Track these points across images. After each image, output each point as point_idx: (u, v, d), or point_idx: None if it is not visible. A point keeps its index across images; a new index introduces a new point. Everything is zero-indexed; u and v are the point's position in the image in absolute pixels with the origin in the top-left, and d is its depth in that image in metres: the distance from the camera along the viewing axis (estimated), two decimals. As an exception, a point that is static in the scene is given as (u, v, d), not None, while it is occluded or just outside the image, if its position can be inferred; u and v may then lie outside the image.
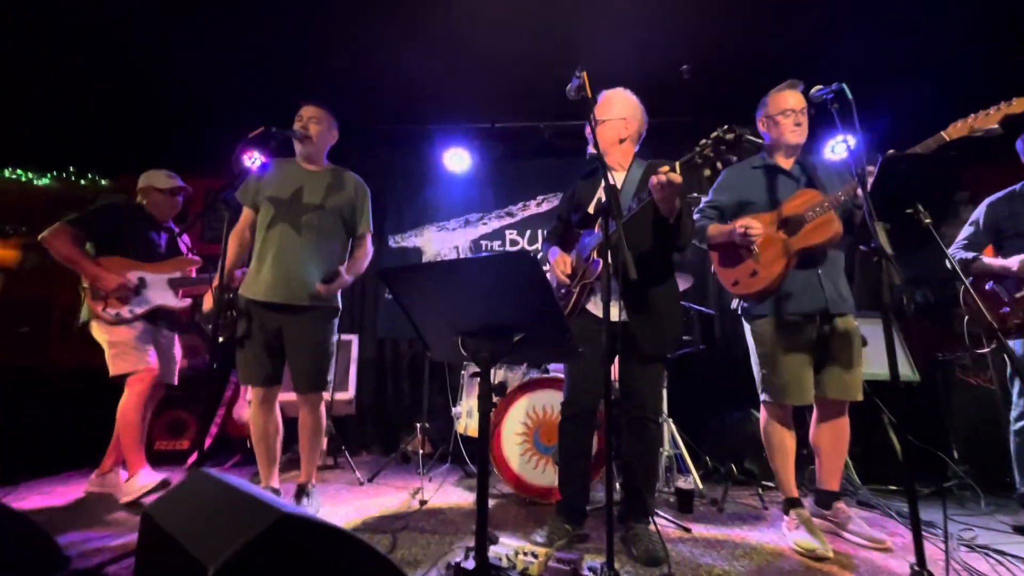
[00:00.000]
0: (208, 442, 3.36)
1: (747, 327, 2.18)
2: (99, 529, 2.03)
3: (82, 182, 4.62)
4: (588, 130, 1.99)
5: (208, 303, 2.24)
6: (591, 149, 1.92)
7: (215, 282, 2.19)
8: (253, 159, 3.55)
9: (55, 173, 4.63)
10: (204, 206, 4.13)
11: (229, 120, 3.75)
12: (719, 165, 1.55)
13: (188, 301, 2.71)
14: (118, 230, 2.64)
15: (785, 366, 2.01)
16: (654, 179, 1.65)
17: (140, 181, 2.79)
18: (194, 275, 2.79)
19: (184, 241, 2.94)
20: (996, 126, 1.61)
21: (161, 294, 2.65)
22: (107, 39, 3.12)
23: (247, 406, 3.38)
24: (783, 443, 2.06)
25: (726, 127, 1.52)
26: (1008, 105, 1.61)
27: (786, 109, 2.08)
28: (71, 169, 4.61)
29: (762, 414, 2.12)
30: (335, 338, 2.38)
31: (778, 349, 2.03)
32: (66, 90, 3.61)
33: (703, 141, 1.57)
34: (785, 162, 2.14)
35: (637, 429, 1.96)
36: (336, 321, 2.39)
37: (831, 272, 2.03)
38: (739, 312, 2.22)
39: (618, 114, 2.04)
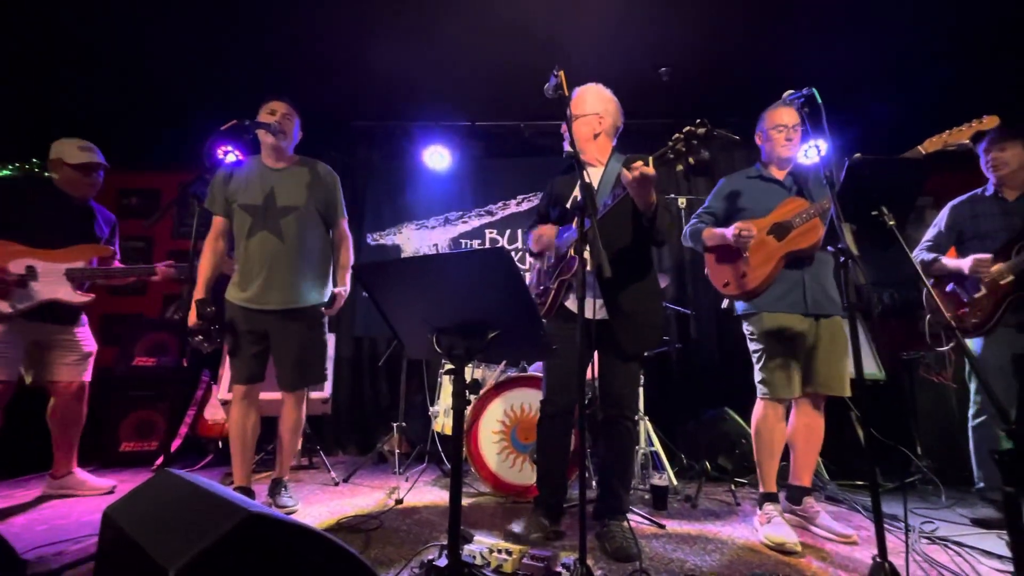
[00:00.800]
0: (178, 443, 3.28)
1: (744, 326, 2.24)
2: (59, 533, 1.96)
3: (47, 174, 4.46)
4: (564, 127, 2.00)
5: (192, 318, 2.14)
6: (567, 147, 1.93)
7: (199, 293, 2.19)
8: (226, 152, 3.48)
9: (17, 165, 4.45)
10: (174, 198, 4.03)
11: (203, 113, 3.66)
12: (691, 160, 1.58)
13: (90, 296, 2.42)
14: (10, 210, 2.33)
15: (778, 362, 2.08)
16: (627, 174, 1.66)
17: (51, 151, 2.44)
18: (117, 264, 2.52)
19: (102, 224, 2.58)
20: (967, 141, 1.70)
21: (53, 287, 2.32)
22: (75, 29, 3.02)
23: (219, 406, 3.31)
24: (773, 438, 2.11)
25: (698, 121, 1.55)
26: (979, 122, 1.72)
27: (779, 125, 2.18)
28: (35, 161, 4.44)
29: (756, 408, 2.16)
30: (326, 333, 2.39)
31: (771, 346, 2.09)
32: (29, 80, 3.48)
33: (676, 136, 1.60)
34: (779, 173, 2.23)
35: (614, 427, 1.98)
36: (326, 318, 2.39)
37: (818, 275, 2.10)
38: (735, 313, 2.28)
39: (591, 109, 2.05)
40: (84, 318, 2.53)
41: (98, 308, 4.29)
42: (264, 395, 2.36)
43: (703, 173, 4.08)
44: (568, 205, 2.05)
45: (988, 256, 2.23)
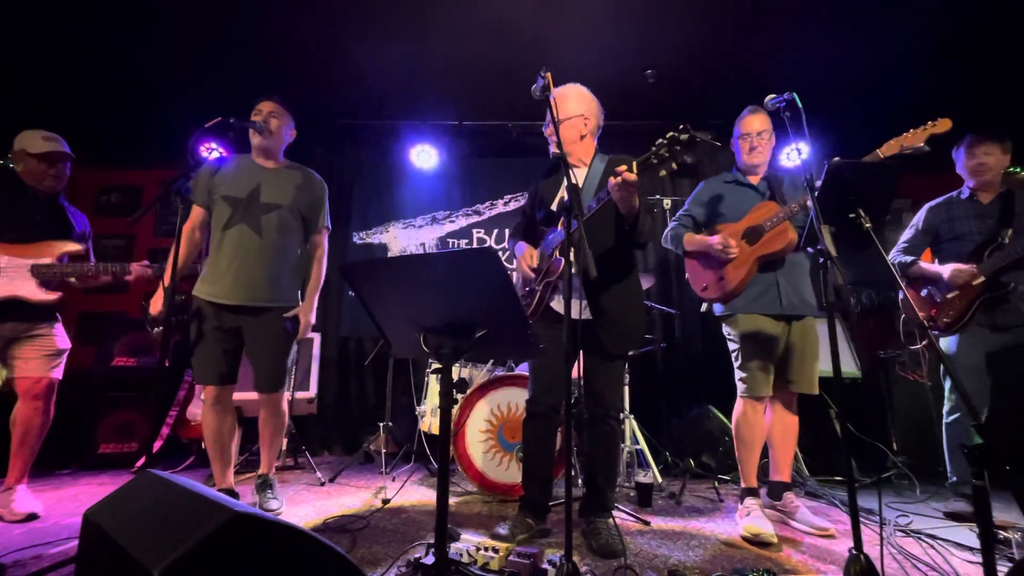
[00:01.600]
0: (159, 444, 3.23)
1: (723, 327, 2.29)
2: (37, 536, 1.92)
3: (11, 166, 4.34)
4: (549, 131, 2.01)
5: (156, 305, 2.10)
6: (553, 149, 1.94)
7: (165, 282, 2.10)
8: (210, 150, 3.42)
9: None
10: (156, 196, 3.95)
11: (185, 110, 3.61)
12: (674, 165, 1.60)
13: (57, 294, 2.29)
14: None
15: (755, 361, 2.13)
16: (612, 180, 1.68)
17: (14, 143, 2.33)
18: (92, 261, 2.40)
19: (72, 221, 2.45)
20: (923, 144, 1.76)
21: (17, 284, 2.20)
22: (55, 23, 2.95)
23: (202, 406, 3.26)
24: (753, 435, 2.16)
25: (681, 127, 1.58)
26: (933, 125, 1.78)
27: (743, 133, 2.28)
28: (10, 166, 4.33)
29: (736, 406, 2.21)
30: (296, 337, 2.33)
31: (748, 346, 2.15)
32: (5, 74, 3.39)
33: (659, 141, 1.62)
34: (753, 178, 2.30)
35: (599, 426, 2.00)
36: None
37: (791, 276, 2.17)
38: (715, 315, 2.33)
39: (575, 111, 2.05)
40: (58, 315, 2.39)
41: (76, 306, 4.23)
42: (246, 395, 2.33)
43: (688, 175, 4.14)
44: (554, 207, 2.07)
45: (968, 267, 2.29)
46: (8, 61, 3.26)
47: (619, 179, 1.65)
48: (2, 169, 2.36)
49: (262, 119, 2.24)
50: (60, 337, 2.37)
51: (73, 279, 2.34)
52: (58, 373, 2.33)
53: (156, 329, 2.08)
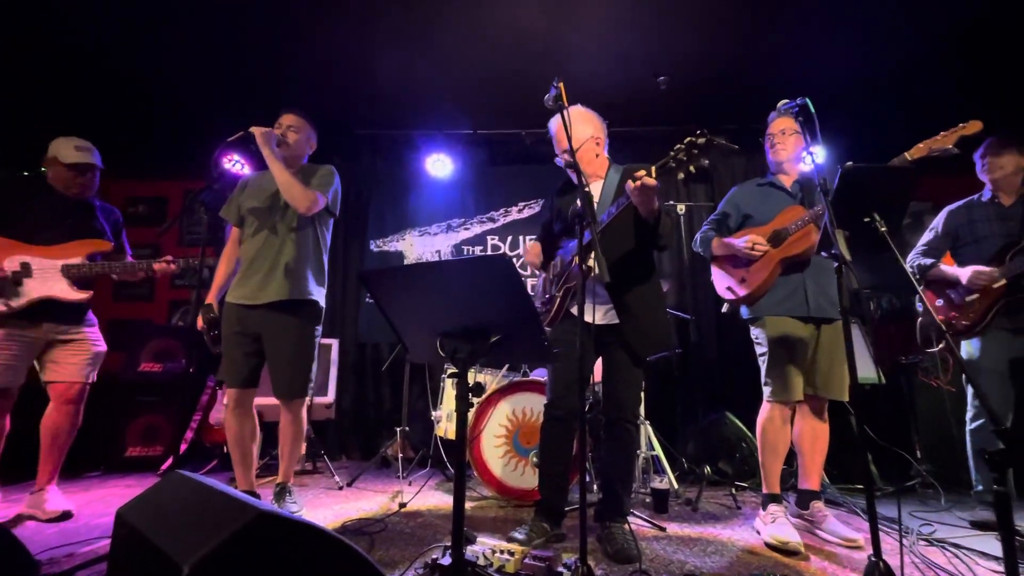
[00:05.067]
0: (183, 448, 3.31)
1: (751, 331, 2.28)
2: (68, 536, 1.99)
3: (42, 170, 4.51)
4: (560, 160, 2.05)
5: (200, 322, 2.22)
6: (566, 156, 1.98)
7: (209, 299, 2.25)
8: (232, 161, 3.53)
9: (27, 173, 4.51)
10: (182, 208, 4.08)
11: (208, 123, 3.72)
12: (692, 169, 1.62)
13: (89, 293, 2.34)
14: (4, 207, 2.27)
15: (782, 365, 2.11)
16: (631, 185, 1.71)
17: (49, 149, 2.39)
18: (128, 251, 2.50)
19: (102, 219, 2.50)
20: (951, 147, 1.73)
21: (49, 284, 2.24)
22: (85, 38, 3.08)
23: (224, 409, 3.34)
24: (777, 440, 2.13)
25: (698, 132, 1.60)
26: (963, 127, 1.75)
27: (768, 134, 2.30)
28: (42, 170, 4.50)
29: (762, 411, 2.19)
30: (317, 342, 2.38)
31: (776, 350, 2.13)
32: (34, 88, 3.54)
33: (677, 146, 1.64)
34: (786, 180, 2.29)
35: (616, 431, 2.01)
36: (319, 327, 2.39)
37: (818, 279, 2.14)
38: (741, 318, 2.32)
39: (586, 135, 2.06)
40: (93, 317, 2.45)
41: (104, 314, 4.33)
42: (266, 400, 2.38)
43: (702, 180, 4.13)
44: (570, 215, 2.09)
45: (988, 269, 2.26)
46: (38, 75, 3.40)
47: (638, 183, 1.68)
48: (35, 175, 2.43)
49: (281, 132, 2.31)
50: (97, 342, 2.42)
51: (114, 275, 2.40)
52: (92, 377, 2.39)
53: (212, 334, 2.22)
